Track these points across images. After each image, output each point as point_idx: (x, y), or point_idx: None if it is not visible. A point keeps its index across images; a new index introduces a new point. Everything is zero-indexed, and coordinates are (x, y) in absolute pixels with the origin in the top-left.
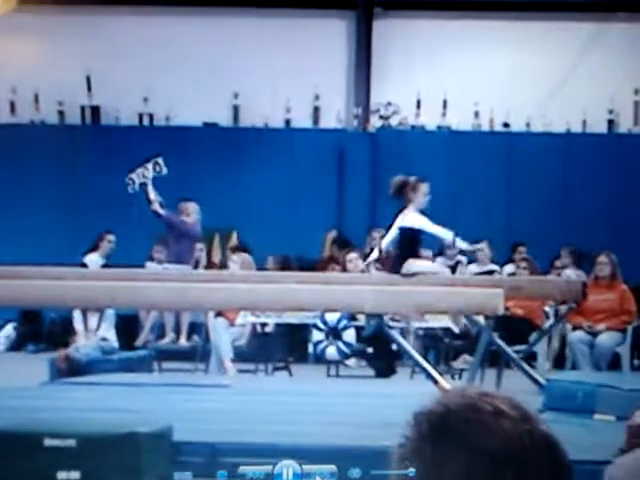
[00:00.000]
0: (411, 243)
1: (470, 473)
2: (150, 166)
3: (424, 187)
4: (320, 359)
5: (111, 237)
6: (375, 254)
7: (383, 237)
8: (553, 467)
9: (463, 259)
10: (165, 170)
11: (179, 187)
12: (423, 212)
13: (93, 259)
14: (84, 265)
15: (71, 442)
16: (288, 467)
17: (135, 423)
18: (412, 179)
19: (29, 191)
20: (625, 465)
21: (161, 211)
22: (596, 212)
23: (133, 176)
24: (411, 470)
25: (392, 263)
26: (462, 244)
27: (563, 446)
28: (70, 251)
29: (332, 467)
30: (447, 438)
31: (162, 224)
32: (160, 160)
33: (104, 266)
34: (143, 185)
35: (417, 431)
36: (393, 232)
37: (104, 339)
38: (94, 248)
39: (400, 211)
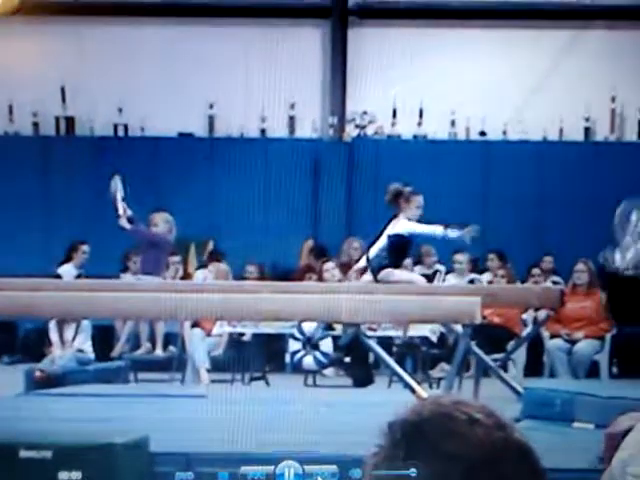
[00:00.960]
0: (399, 251)
1: None
2: (119, 179)
3: (418, 199)
4: (297, 368)
5: (85, 247)
6: (362, 263)
7: (364, 246)
8: (528, 475)
9: (441, 268)
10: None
11: (154, 197)
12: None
13: (67, 270)
14: (58, 276)
15: (47, 453)
16: (290, 467)
17: (111, 434)
18: (407, 189)
19: (2, 202)
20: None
21: (127, 226)
22: (573, 220)
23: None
24: (412, 470)
25: (372, 271)
26: (454, 233)
27: (538, 454)
28: (43, 262)
29: (333, 467)
30: (421, 446)
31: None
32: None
33: (78, 276)
34: (112, 198)
35: (391, 439)
36: (382, 240)
37: (80, 350)
38: (68, 259)
39: (391, 219)
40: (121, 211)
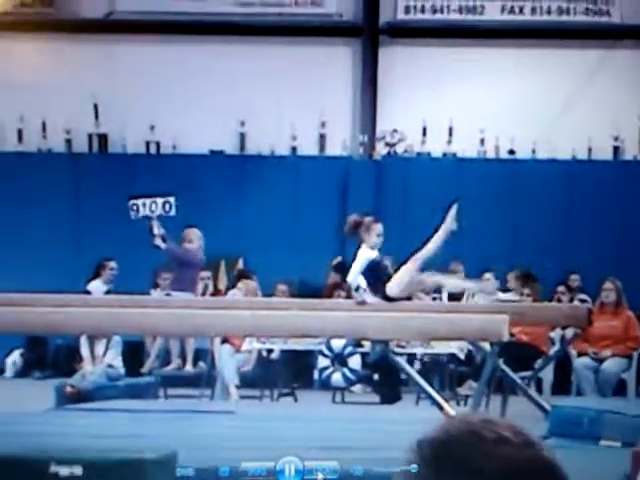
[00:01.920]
0: (374, 273)
1: None
2: (160, 202)
3: (378, 228)
4: (326, 385)
5: (112, 264)
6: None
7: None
8: None
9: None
10: (174, 212)
11: (185, 214)
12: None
13: (96, 286)
14: (87, 292)
15: (77, 469)
16: (290, 463)
17: (140, 449)
18: (367, 219)
19: (35, 220)
20: None
21: (163, 245)
22: (602, 239)
23: (138, 203)
24: (413, 466)
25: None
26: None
27: (566, 472)
28: (74, 279)
29: (334, 464)
30: (449, 465)
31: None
32: (172, 200)
33: (107, 292)
34: (149, 219)
35: (419, 458)
36: (355, 267)
37: (110, 366)
38: (96, 275)
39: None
40: (156, 230)
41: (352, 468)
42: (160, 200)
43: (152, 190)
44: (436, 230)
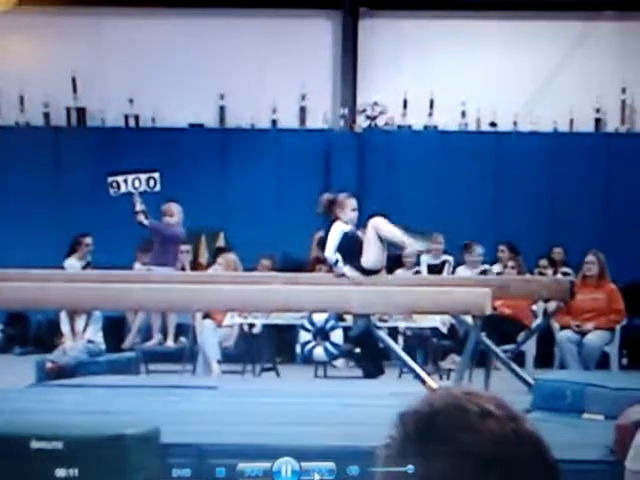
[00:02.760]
0: (349, 246)
1: (456, 473)
2: (144, 178)
3: (351, 203)
4: (308, 360)
5: (88, 240)
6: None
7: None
8: (539, 466)
9: (450, 258)
10: (159, 188)
11: (165, 188)
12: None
13: (71, 263)
14: (63, 269)
15: (58, 444)
16: (286, 464)
17: (122, 425)
18: (340, 196)
19: (13, 193)
20: None
21: (145, 222)
22: (584, 211)
23: (119, 180)
24: (409, 467)
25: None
26: (415, 244)
27: (549, 445)
28: (54, 253)
29: (330, 464)
30: (433, 438)
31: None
32: (157, 176)
33: (84, 268)
34: (130, 194)
35: (403, 431)
36: (330, 241)
37: (91, 341)
38: (72, 251)
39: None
40: (138, 207)
41: (349, 469)
42: (144, 176)
43: (132, 164)
44: (408, 229)
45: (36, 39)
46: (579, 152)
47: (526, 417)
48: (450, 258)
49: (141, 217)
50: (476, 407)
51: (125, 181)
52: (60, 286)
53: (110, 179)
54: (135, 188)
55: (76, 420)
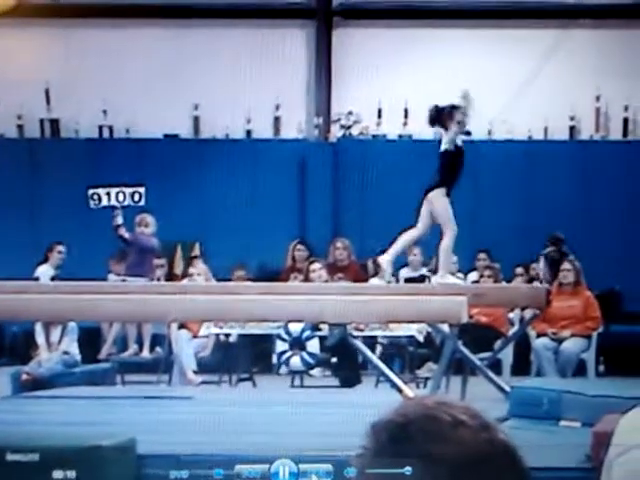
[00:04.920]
0: (451, 168)
1: None
2: (128, 192)
3: (460, 113)
4: (284, 369)
5: (60, 247)
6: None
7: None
8: (512, 476)
9: (429, 274)
10: (144, 202)
11: (140, 199)
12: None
13: (43, 270)
14: (36, 278)
15: (34, 456)
16: (284, 466)
17: (99, 436)
18: (447, 106)
19: None
20: None
21: (126, 235)
22: (560, 219)
23: (100, 192)
24: (407, 469)
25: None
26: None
27: (523, 454)
28: (29, 264)
29: (328, 466)
30: (405, 448)
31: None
32: (142, 190)
33: (54, 277)
34: (113, 208)
35: (375, 441)
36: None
37: (66, 352)
38: (44, 259)
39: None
40: (119, 221)
41: (346, 470)
42: (128, 190)
43: (106, 175)
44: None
45: (9, 51)
46: (554, 160)
47: (499, 426)
48: (428, 273)
49: (122, 231)
50: (448, 417)
51: (107, 194)
52: (35, 298)
53: (91, 191)
54: (119, 202)
55: (52, 432)
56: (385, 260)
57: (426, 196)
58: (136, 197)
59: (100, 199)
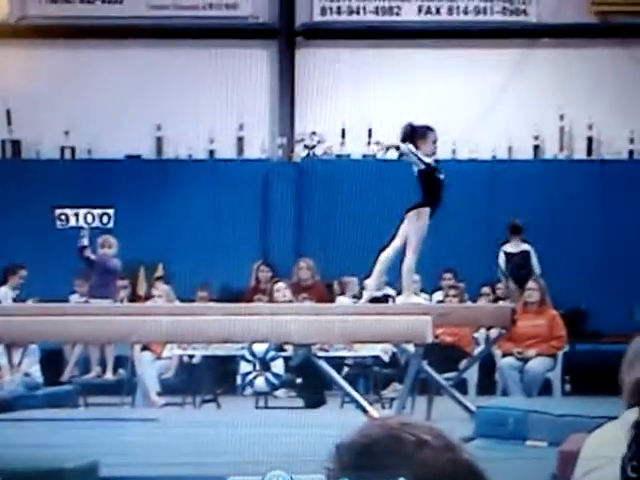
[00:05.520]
0: (430, 186)
1: None
2: (97, 213)
3: (434, 135)
4: (249, 390)
5: (23, 272)
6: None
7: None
8: None
9: (393, 293)
10: (112, 224)
11: (109, 221)
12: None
13: (3, 292)
14: None
15: None
16: (278, 477)
17: (61, 459)
18: (420, 126)
19: None
20: None
21: (92, 256)
22: (524, 237)
23: (68, 213)
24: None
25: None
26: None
27: (487, 475)
28: None
29: (321, 477)
30: (369, 469)
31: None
32: (111, 212)
33: (19, 299)
34: (81, 229)
35: (339, 462)
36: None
37: (27, 374)
38: (3, 281)
39: None
40: (85, 242)
41: None
42: (97, 211)
43: (68, 196)
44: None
45: None
46: (518, 179)
47: (464, 447)
48: (392, 292)
49: (88, 252)
50: (412, 437)
51: (76, 215)
52: None
53: (58, 212)
54: (87, 223)
55: (14, 454)
56: (370, 284)
57: (407, 214)
58: (105, 219)
59: (68, 219)
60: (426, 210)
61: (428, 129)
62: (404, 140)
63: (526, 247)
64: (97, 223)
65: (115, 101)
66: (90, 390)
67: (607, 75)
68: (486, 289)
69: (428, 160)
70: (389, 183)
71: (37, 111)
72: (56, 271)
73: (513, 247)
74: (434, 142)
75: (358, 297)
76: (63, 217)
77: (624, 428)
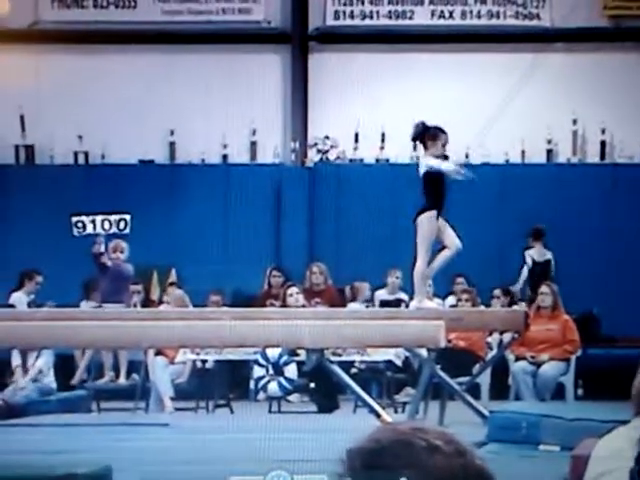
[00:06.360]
0: (435, 188)
1: None
2: (114, 219)
3: (444, 137)
4: (262, 395)
5: (39, 278)
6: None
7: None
8: None
9: (405, 297)
10: (129, 230)
11: (126, 227)
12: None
13: (18, 297)
14: (11, 305)
15: None
16: (279, 477)
17: (74, 464)
18: (433, 126)
19: None
20: None
21: (109, 263)
22: None
23: (85, 220)
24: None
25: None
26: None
27: (500, 479)
28: (1, 291)
29: (323, 477)
30: (379, 474)
31: (95, 264)
32: (128, 218)
33: (35, 304)
34: (97, 236)
35: (350, 467)
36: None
37: (40, 372)
38: (20, 286)
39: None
40: (102, 248)
41: None
42: (114, 217)
43: (81, 201)
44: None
45: None
46: (531, 183)
47: (475, 452)
48: (405, 297)
49: (104, 258)
50: (423, 442)
51: (93, 222)
52: (10, 325)
53: (75, 219)
54: (104, 230)
55: (27, 460)
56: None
57: (415, 222)
58: (121, 225)
59: (85, 227)
60: (432, 213)
61: (440, 131)
62: (415, 139)
63: (549, 256)
64: (114, 229)
65: (128, 106)
66: (103, 395)
67: (620, 79)
68: (498, 292)
69: (436, 162)
70: (402, 187)
71: (50, 116)
72: (67, 277)
73: (538, 255)
74: (444, 145)
75: (370, 303)
76: (80, 224)
77: (633, 434)
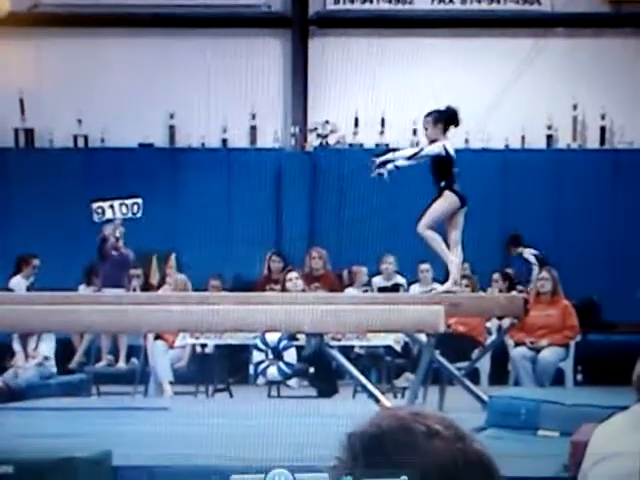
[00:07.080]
0: (442, 168)
1: None
2: (129, 203)
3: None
4: (261, 380)
5: (36, 261)
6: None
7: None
8: None
9: (403, 281)
10: (141, 214)
11: (138, 210)
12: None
13: (16, 282)
14: (9, 289)
15: (8, 468)
16: (280, 476)
17: (73, 448)
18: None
19: None
20: None
21: (123, 249)
22: (536, 227)
23: (104, 206)
24: (404, 478)
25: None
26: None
27: (498, 464)
28: (1, 276)
29: (324, 475)
30: (379, 459)
31: (95, 248)
32: (140, 201)
33: (34, 289)
34: (111, 221)
35: (350, 452)
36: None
37: (46, 358)
38: (17, 271)
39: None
40: (118, 233)
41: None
42: (129, 202)
43: (81, 185)
44: None
45: None
46: (531, 168)
47: (475, 437)
48: (403, 281)
49: (120, 244)
50: (423, 427)
51: (111, 207)
52: (8, 308)
53: (95, 205)
54: (123, 214)
55: (27, 443)
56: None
57: (441, 192)
58: (134, 209)
59: (104, 212)
60: (449, 193)
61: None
62: (446, 122)
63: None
64: (130, 214)
65: (128, 89)
66: (103, 379)
67: (620, 65)
68: (497, 276)
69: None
70: (402, 172)
71: (50, 99)
72: (67, 261)
73: (531, 253)
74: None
75: (367, 287)
76: (100, 210)
77: (632, 420)
